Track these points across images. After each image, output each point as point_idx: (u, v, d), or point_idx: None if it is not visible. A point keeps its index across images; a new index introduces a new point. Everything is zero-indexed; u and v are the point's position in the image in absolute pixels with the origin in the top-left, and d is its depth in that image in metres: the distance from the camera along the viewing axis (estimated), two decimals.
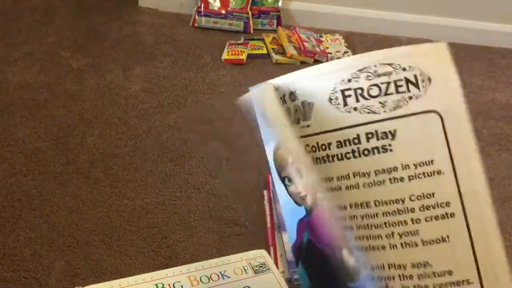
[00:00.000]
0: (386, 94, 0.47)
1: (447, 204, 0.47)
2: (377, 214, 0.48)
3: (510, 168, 1.43)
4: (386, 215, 0.48)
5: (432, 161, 0.47)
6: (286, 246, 1.09)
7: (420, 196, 0.47)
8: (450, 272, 0.47)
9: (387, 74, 0.47)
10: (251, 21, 1.90)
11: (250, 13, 1.90)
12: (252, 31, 1.91)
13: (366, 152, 0.48)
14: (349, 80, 0.48)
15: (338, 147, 0.49)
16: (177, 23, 1.90)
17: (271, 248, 1.11)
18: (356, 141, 0.49)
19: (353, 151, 0.49)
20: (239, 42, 1.80)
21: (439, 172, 0.47)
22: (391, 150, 0.47)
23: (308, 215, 0.51)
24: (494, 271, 0.48)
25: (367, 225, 0.49)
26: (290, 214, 0.53)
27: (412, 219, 0.47)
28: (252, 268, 0.97)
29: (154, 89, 1.56)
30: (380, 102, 0.47)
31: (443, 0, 1.96)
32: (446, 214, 0.47)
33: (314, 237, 0.51)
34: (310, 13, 1.98)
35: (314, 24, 1.97)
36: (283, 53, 1.78)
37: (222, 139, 1.41)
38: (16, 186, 1.20)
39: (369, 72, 0.48)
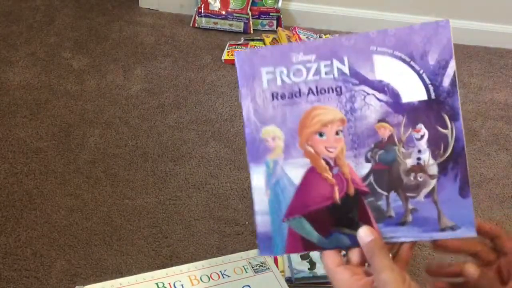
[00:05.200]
0: None
1: None
2: None
3: (508, 167, 1.43)
4: None
5: None
6: None
7: None
8: None
9: None
10: (251, 22, 1.91)
11: (250, 14, 1.91)
12: (252, 31, 1.92)
13: None
14: None
15: None
16: (178, 23, 1.90)
17: None
18: None
19: None
20: (239, 42, 1.80)
21: None
22: None
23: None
24: None
25: None
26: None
27: None
28: (252, 267, 0.97)
29: (155, 89, 1.56)
30: None
31: (443, 0, 1.97)
32: None
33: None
34: (309, 13, 1.98)
35: (313, 25, 1.98)
36: None
37: (222, 139, 1.41)
38: (17, 185, 1.20)
39: None
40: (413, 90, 0.54)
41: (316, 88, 0.55)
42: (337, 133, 0.55)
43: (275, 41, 1.85)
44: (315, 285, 1.05)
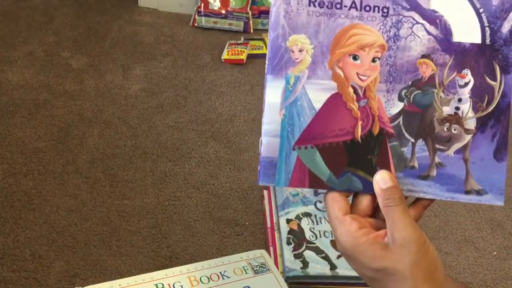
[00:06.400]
0: None
1: None
2: None
3: (510, 168, 1.43)
4: None
5: None
6: (286, 251, 1.08)
7: None
8: None
9: None
10: (251, 21, 1.90)
11: (250, 13, 1.90)
12: (252, 31, 1.91)
13: None
14: None
15: None
16: (177, 23, 1.90)
17: (271, 248, 1.11)
18: None
19: None
20: (239, 42, 1.80)
21: None
22: None
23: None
24: None
25: None
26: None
27: None
28: (252, 268, 0.97)
29: (154, 89, 1.56)
30: None
31: None
32: None
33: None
34: None
35: None
36: None
37: (222, 139, 1.40)
38: (15, 186, 1.20)
39: None
40: (467, 30, 0.48)
41: (361, 3, 0.48)
42: (373, 60, 0.49)
43: None
44: (307, 285, 1.05)
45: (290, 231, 1.10)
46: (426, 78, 0.49)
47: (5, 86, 1.50)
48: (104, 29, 1.80)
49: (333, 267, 1.03)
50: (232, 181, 1.28)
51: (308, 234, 1.09)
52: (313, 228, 1.11)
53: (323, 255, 1.06)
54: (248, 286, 0.93)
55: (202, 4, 1.89)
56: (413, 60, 0.49)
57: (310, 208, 1.15)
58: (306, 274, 1.03)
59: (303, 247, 1.07)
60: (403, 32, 0.48)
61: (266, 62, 0.51)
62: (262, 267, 0.97)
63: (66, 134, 1.35)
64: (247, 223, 1.18)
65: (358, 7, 0.48)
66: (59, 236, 1.10)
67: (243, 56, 1.72)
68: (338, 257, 1.05)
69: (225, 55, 1.73)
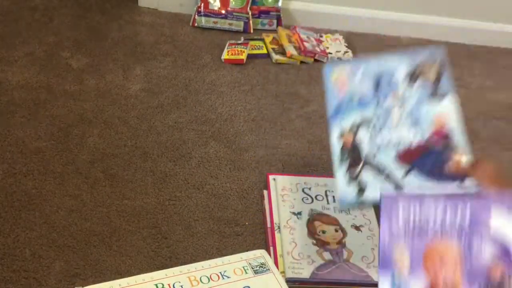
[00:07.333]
0: None
1: None
2: None
3: (511, 168, 1.43)
4: None
5: None
6: (286, 247, 1.08)
7: None
8: None
9: None
10: (251, 21, 1.90)
11: (250, 13, 1.90)
12: (252, 31, 1.91)
13: None
14: None
15: None
16: (177, 23, 1.90)
17: (271, 248, 1.11)
18: None
19: None
20: (239, 42, 1.80)
21: None
22: None
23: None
24: None
25: None
26: None
27: None
28: (252, 268, 0.97)
29: (154, 89, 1.56)
30: None
31: (443, 0, 1.96)
32: None
33: None
34: (310, 13, 1.98)
35: (314, 24, 1.97)
36: (283, 53, 1.78)
37: (222, 139, 1.40)
38: (16, 186, 1.20)
39: None
40: None
41: (441, 227, 0.63)
42: (453, 272, 0.61)
43: (275, 40, 1.84)
44: (315, 285, 1.05)
45: (344, 148, 0.89)
46: (497, 281, 0.58)
47: (5, 86, 1.50)
48: (104, 29, 1.80)
49: (398, 187, 0.83)
50: (232, 181, 1.28)
51: (365, 151, 0.87)
52: (373, 141, 0.88)
53: (386, 173, 0.85)
54: (248, 286, 0.93)
55: (202, 4, 1.89)
56: (485, 265, 0.59)
57: (370, 112, 0.89)
58: (362, 201, 0.85)
59: (359, 168, 0.86)
60: (475, 244, 0.60)
61: (378, 260, 0.67)
62: (262, 267, 0.97)
63: (66, 134, 1.35)
64: (247, 223, 1.18)
65: (440, 232, 0.63)
66: (59, 236, 1.10)
67: (243, 56, 1.72)
68: (405, 175, 0.85)
69: (225, 55, 1.73)
